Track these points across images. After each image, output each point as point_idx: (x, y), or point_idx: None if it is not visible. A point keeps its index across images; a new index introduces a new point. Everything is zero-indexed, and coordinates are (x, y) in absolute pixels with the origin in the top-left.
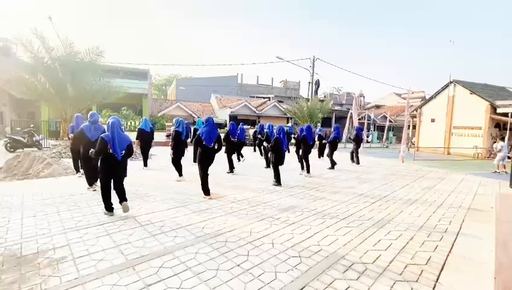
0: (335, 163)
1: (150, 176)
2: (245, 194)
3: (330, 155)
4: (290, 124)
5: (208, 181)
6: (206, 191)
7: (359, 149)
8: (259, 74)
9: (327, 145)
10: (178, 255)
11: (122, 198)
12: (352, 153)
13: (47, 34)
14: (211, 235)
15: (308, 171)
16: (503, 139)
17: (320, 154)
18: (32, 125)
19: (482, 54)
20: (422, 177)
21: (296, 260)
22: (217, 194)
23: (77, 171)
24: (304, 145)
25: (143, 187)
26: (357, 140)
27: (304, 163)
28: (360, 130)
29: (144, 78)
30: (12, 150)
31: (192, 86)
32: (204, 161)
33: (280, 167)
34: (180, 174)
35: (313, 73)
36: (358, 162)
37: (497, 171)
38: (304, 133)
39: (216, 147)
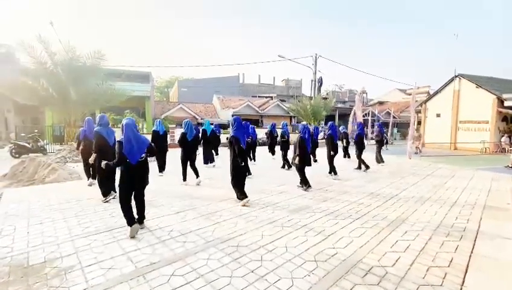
0: (363, 164)
1: (157, 180)
2: (253, 196)
3: (358, 156)
4: (312, 124)
5: (244, 185)
6: (242, 195)
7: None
8: (260, 73)
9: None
10: (189, 261)
11: (140, 215)
12: (377, 154)
13: (49, 38)
14: (222, 240)
15: (333, 173)
16: None
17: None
18: (36, 131)
19: (486, 46)
20: (431, 174)
21: (312, 264)
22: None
23: (89, 177)
24: (331, 146)
25: (148, 191)
26: (380, 138)
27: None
28: (381, 126)
29: (146, 80)
30: (17, 155)
31: (194, 87)
32: (240, 164)
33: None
34: (184, 179)
35: (316, 71)
36: (382, 161)
37: (510, 165)
38: (329, 132)
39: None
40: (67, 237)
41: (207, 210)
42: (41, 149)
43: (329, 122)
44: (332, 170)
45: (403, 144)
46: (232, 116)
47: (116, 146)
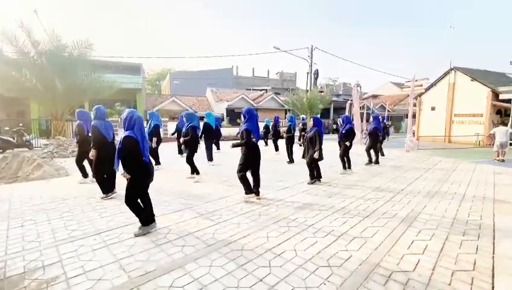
0: (376, 159)
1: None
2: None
3: (368, 148)
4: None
5: (247, 178)
6: (247, 190)
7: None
8: (254, 66)
9: (368, 138)
10: (189, 269)
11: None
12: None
13: (33, 27)
14: (224, 243)
15: (347, 168)
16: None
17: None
18: (21, 124)
19: (483, 39)
20: (432, 168)
21: (327, 270)
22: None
23: (86, 176)
24: (346, 140)
25: None
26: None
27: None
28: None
29: (137, 72)
30: (1, 151)
31: (187, 79)
32: (253, 159)
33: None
34: (198, 173)
35: (311, 62)
36: (382, 154)
37: (497, 159)
38: (349, 125)
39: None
40: (51, 241)
41: (206, 209)
42: (26, 144)
43: (343, 116)
44: (348, 162)
45: (397, 137)
46: (226, 108)
47: (126, 141)
